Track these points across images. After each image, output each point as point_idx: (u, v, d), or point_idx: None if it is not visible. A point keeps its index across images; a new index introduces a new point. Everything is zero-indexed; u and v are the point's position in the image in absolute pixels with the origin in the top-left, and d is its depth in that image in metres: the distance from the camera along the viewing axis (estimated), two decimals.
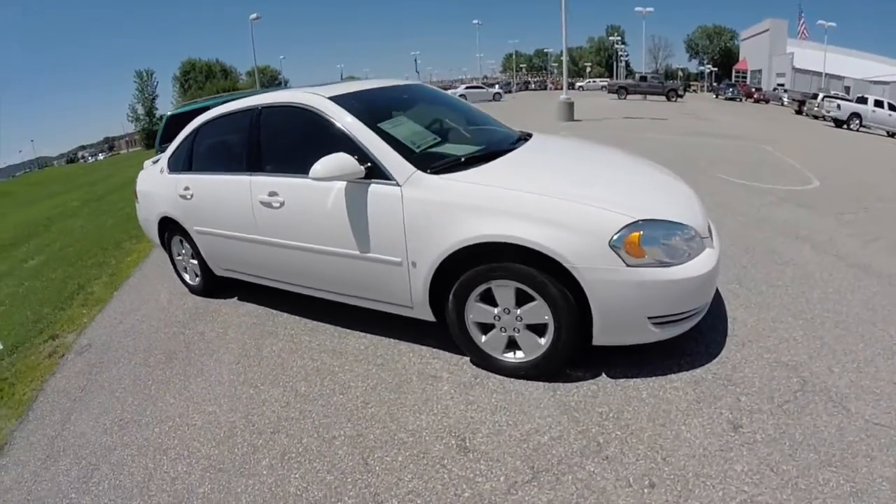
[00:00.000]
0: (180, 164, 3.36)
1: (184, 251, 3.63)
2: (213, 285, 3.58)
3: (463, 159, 2.32)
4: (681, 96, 28.14)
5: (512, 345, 2.18)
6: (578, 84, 49.99)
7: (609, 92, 30.32)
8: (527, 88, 55.78)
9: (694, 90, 49.84)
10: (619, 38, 65.82)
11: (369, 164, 2.19)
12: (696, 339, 2.36)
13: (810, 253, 3.51)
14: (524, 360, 2.15)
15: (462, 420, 1.97)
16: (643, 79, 30.27)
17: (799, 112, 22.53)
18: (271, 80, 57.56)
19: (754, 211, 4.57)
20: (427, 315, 2.27)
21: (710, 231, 2.23)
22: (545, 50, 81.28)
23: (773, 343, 2.34)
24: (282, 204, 2.58)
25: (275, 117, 2.73)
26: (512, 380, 2.19)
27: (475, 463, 1.74)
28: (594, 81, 49.69)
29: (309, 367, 2.56)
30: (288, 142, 2.69)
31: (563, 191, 2.04)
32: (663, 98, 26.98)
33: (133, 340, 3.28)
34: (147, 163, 4.05)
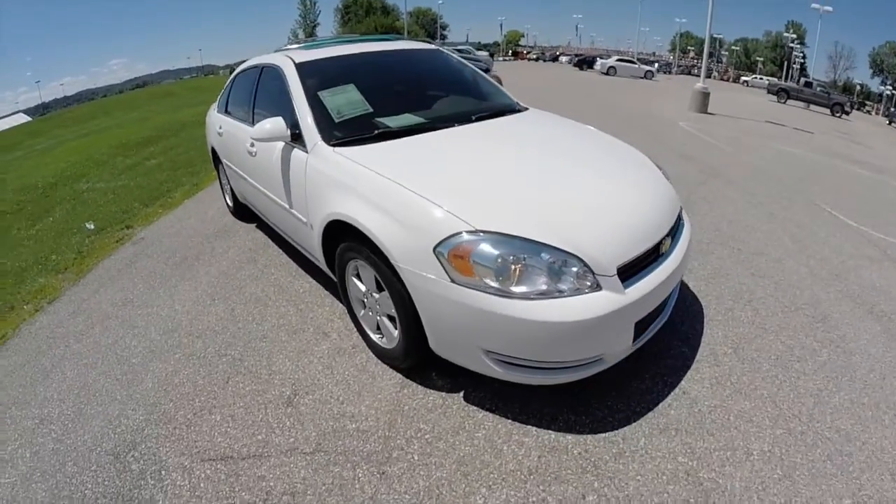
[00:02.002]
0: (222, 106, 4.01)
1: (224, 178, 4.38)
2: (240, 210, 4.29)
3: (376, 132, 2.36)
4: (847, 113, 23.37)
5: (381, 328, 2.20)
6: (744, 78, 45.12)
7: (769, 93, 26.39)
8: (689, 73, 49.43)
9: (867, 111, 40.60)
10: (796, 37, 55.53)
11: (297, 130, 2.47)
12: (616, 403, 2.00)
13: (876, 335, 2.56)
14: (387, 347, 2.17)
15: (310, 379, 2.23)
16: (808, 85, 25.77)
17: None
18: (431, 23, 58.85)
19: (836, 261, 3.49)
20: (333, 275, 2.55)
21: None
22: (717, 36, 70.27)
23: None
24: (255, 154, 3.02)
25: (266, 76, 3.12)
26: (378, 362, 2.29)
27: (286, 418, 2.00)
28: (761, 79, 42.97)
29: (255, 294, 3.08)
30: (268, 100, 3.08)
31: (431, 181, 1.90)
32: (828, 111, 22.78)
33: (170, 241, 4.16)
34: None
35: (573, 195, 1.93)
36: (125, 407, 2.22)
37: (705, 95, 11.60)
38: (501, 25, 70.49)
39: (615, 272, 1.68)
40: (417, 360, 2.03)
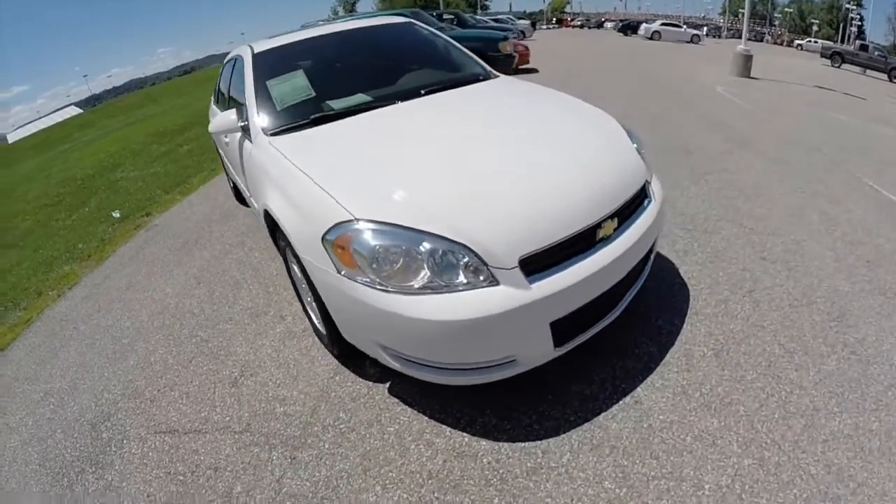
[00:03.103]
0: (214, 96, 4.23)
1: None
2: (239, 194, 4.57)
3: (311, 117, 2.35)
4: None
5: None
6: (797, 42, 42.02)
7: (822, 56, 23.92)
8: (740, 37, 45.23)
9: None
10: None
11: (245, 121, 2.59)
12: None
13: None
14: (323, 332, 2.18)
15: (258, 361, 2.42)
16: (864, 48, 22.68)
17: None
18: None
19: (870, 245, 2.90)
20: None
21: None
22: None
23: None
24: (228, 143, 3.21)
25: (236, 67, 3.26)
26: (320, 347, 2.39)
27: (228, 397, 2.20)
28: (815, 42, 39.08)
29: (234, 277, 3.34)
30: (235, 90, 3.21)
31: (337, 167, 1.90)
32: (885, 76, 20.06)
33: (178, 227, 4.54)
34: None
35: (485, 175, 1.77)
36: (109, 383, 2.56)
37: (747, 58, 10.59)
38: None
39: (516, 264, 1.51)
40: (342, 347, 2.02)
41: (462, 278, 1.50)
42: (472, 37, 8.29)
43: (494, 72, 3.06)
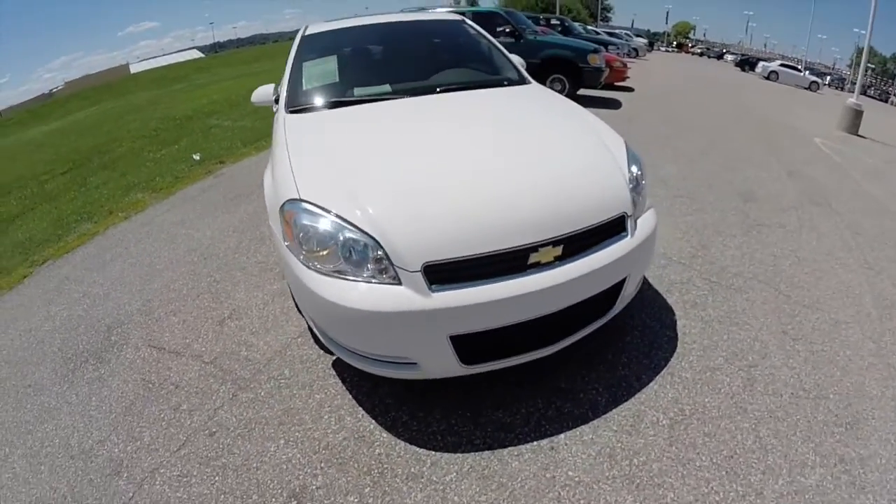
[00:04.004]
0: None
1: None
2: None
3: (327, 101, 2.59)
4: None
5: None
6: None
7: None
8: (864, 92, 40.61)
9: None
10: None
11: (277, 95, 2.90)
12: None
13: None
14: None
15: (247, 309, 2.72)
16: None
17: None
18: (594, 3, 56.39)
19: None
20: None
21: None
22: None
23: None
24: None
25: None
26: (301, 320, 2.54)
27: (212, 332, 2.57)
28: None
29: (262, 233, 3.72)
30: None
31: (315, 148, 2.06)
32: None
33: (240, 178, 5.09)
34: None
35: (435, 176, 1.82)
36: (132, 298, 3.03)
37: (857, 113, 9.47)
38: (668, 14, 64.59)
39: (419, 269, 1.54)
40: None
41: (369, 271, 1.60)
42: (563, 44, 8.22)
43: (529, 79, 3.05)
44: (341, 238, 1.63)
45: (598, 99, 8.81)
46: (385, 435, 1.85)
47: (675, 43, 63.17)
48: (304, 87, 2.80)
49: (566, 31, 13.05)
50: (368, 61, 3.13)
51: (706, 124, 7.49)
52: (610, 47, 13.90)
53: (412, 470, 1.71)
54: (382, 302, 1.55)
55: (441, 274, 1.57)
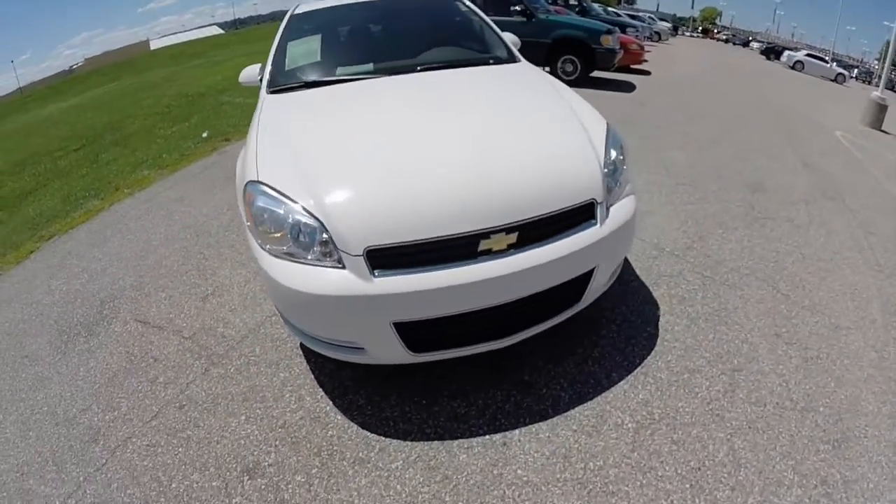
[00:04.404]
0: None
1: None
2: None
3: (303, 81, 2.57)
4: None
5: None
6: None
7: None
8: (891, 88, 38.86)
9: None
10: None
11: (261, 76, 2.90)
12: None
13: None
14: None
15: (230, 286, 2.81)
16: None
17: None
18: None
19: None
20: None
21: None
22: None
23: None
24: None
25: None
26: None
27: (194, 308, 2.67)
28: None
29: (231, 223, 3.80)
30: None
31: (283, 130, 2.07)
32: None
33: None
34: None
35: (388, 160, 1.80)
36: (126, 274, 3.16)
37: (881, 108, 8.87)
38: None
39: (361, 252, 1.56)
40: None
41: (315, 254, 1.62)
42: (575, 24, 7.97)
43: (519, 57, 2.96)
44: (291, 220, 1.66)
45: (611, 81, 8.51)
46: (339, 417, 1.90)
47: (700, 28, 61.42)
48: (286, 68, 2.80)
49: (584, 11, 12.49)
50: (353, 40, 3.09)
51: (723, 112, 7.16)
52: (629, 29, 13.35)
53: (360, 454, 1.75)
54: (325, 285, 1.57)
55: (384, 259, 1.57)
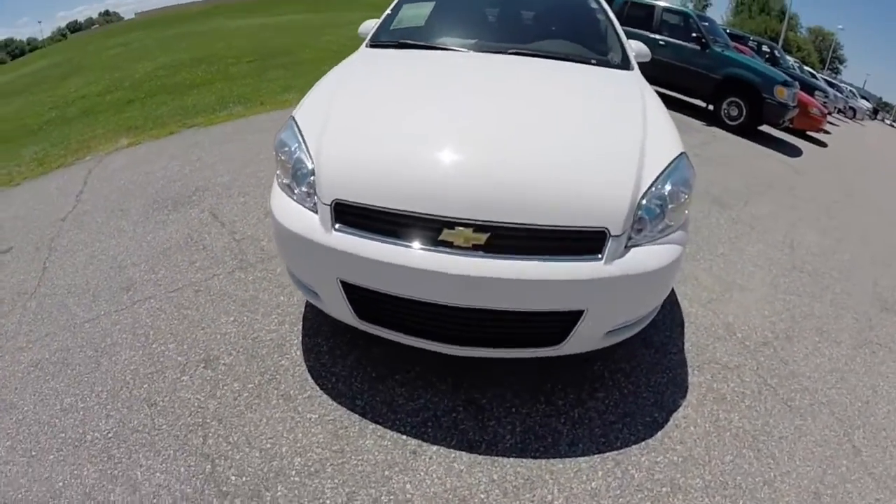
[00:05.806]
0: None
1: None
2: None
3: (399, 41, 2.65)
4: None
5: None
6: None
7: None
8: None
9: None
10: None
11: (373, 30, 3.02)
12: None
13: None
14: None
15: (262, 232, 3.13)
16: None
17: None
18: (826, 48, 51.07)
19: None
20: None
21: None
22: None
23: None
24: None
25: None
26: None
27: (215, 228, 3.02)
28: None
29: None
30: None
31: (349, 81, 2.17)
32: None
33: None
34: None
35: (409, 127, 1.80)
36: (227, 173, 3.62)
37: None
38: None
39: (329, 203, 1.58)
40: None
41: (301, 194, 1.69)
42: (749, 66, 6.99)
43: (634, 66, 2.69)
44: (295, 157, 1.75)
45: (777, 139, 7.39)
46: (297, 353, 1.99)
47: None
48: (390, 27, 2.94)
49: (773, 60, 10.86)
50: (461, 15, 3.11)
51: (890, 208, 5.84)
52: (817, 93, 11.35)
53: (290, 392, 1.81)
54: (295, 223, 1.64)
55: (349, 216, 1.57)
